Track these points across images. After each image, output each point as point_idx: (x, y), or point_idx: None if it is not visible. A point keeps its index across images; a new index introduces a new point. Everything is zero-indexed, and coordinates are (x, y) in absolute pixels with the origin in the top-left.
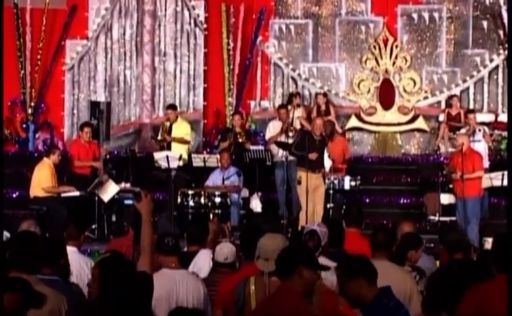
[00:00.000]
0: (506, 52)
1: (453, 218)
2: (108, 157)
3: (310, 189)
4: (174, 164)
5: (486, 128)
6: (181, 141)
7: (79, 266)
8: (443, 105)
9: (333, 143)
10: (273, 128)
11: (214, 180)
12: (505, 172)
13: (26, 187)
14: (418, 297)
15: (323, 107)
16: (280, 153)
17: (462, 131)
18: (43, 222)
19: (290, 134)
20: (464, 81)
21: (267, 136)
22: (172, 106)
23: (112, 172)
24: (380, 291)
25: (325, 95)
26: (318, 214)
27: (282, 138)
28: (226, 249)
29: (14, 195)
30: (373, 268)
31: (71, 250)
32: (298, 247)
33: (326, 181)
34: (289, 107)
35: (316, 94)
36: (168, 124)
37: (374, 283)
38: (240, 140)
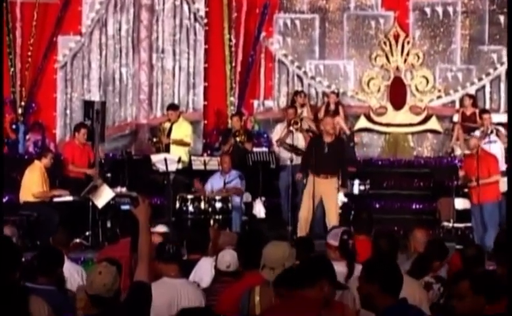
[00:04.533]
0: None
1: (469, 225)
2: (103, 161)
3: (318, 196)
4: (173, 167)
5: (502, 129)
6: (181, 143)
7: (69, 274)
8: (457, 105)
9: None
10: (281, 131)
11: (214, 184)
12: None
13: (16, 192)
14: (427, 308)
15: (332, 107)
16: (285, 156)
17: (477, 132)
18: (33, 228)
19: (292, 129)
20: (480, 79)
21: (274, 138)
22: (173, 107)
23: (108, 176)
24: (396, 303)
25: (337, 94)
26: (332, 221)
27: (289, 139)
28: (228, 257)
29: (3, 200)
30: (390, 276)
31: None
32: (323, 260)
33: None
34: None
35: (328, 92)
36: (167, 125)
37: (390, 292)
38: (239, 139)
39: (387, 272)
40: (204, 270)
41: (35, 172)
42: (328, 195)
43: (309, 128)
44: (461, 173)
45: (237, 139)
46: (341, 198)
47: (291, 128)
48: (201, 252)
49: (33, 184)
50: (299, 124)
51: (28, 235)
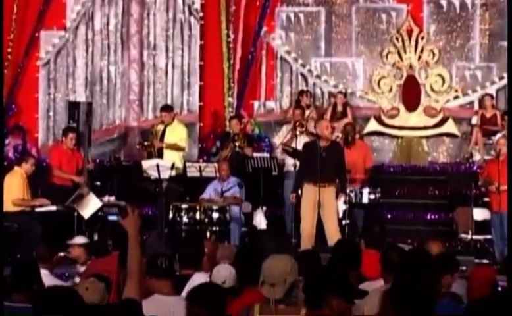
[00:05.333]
0: None
1: (488, 237)
2: (92, 168)
3: (315, 206)
4: (166, 174)
5: None
6: (174, 147)
7: None
8: (476, 106)
9: (351, 149)
10: (286, 132)
11: (212, 192)
12: None
13: None
14: None
15: (340, 108)
16: (289, 161)
17: (499, 135)
18: (13, 240)
19: (297, 132)
20: (501, 78)
21: (278, 141)
22: (167, 108)
23: (97, 185)
24: None
25: (344, 94)
26: (331, 235)
27: (293, 143)
28: (224, 272)
29: None
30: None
31: (42, 273)
32: (327, 273)
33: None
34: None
35: (335, 93)
36: (161, 127)
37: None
38: (238, 143)
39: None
40: None
41: (15, 178)
42: (326, 205)
43: (315, 131)
44: (481, 180)
45: (236, 143)
46: (341, 206)
47: (296, 131)
48: (194, 267)
49: (13, 191)
50: (305, 127)
51: (8, 248)
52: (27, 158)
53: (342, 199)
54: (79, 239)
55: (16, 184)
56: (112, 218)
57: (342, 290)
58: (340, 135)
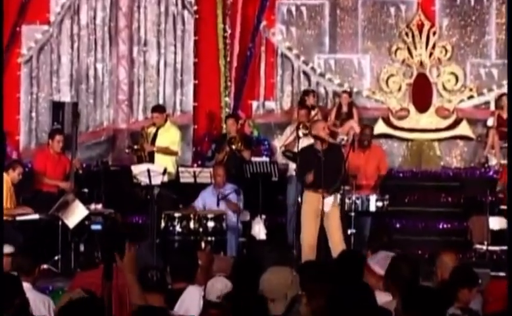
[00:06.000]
0: None
1: (505, 248)
2: (81, 171)
3: (317, 214)
4: (157, 180)
5: None
6: (167, 151)
7: (35, 306)
8: (492, 107)
9: (366, 153)
10: (290, 134)
11: (206, 199)
12: None
13: None
14: None
15: (345, 109)
16: (292, 166)
17: None
18: None
19: (301, 134)
20: None
21: (278, 144)
22: (159, 108)
23: (85, 191)
24: None
25: (350, 94)
26: (335, 245)
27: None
28: (219, 285)
29: None
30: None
31: (23, 287)
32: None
33: (347, 201)
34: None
35: (339, 92)
36: (152, 130)
37: None
38: (234, 147)
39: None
40: (191, 301)
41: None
42: (329, 213)
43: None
44: (500, 185)
45: (233, 146)
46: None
47: (299, 133)
48: (187, 280)
49: None
50: (309, 129)
51: None
52: (15, 165)
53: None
54: (6, 249)
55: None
56: (96, 227)
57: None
58: (345, 138)
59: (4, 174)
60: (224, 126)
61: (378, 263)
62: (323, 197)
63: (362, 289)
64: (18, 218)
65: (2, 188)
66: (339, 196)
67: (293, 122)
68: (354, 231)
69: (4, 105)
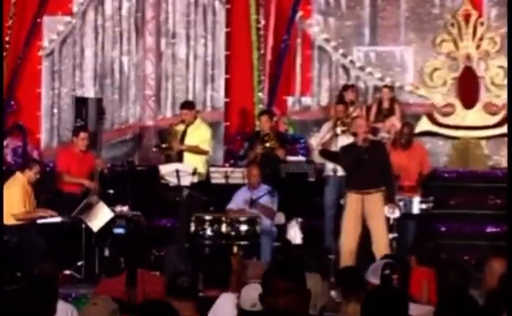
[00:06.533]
0: None
1: None
2: (105, 171)
3: (358, 217)
4: (187, 180)
5: None
6: (197, 150)
7: (57, 314)
8: None
9: (406, 152)
10: (327, 131)
11: (239, 201)
12: None
13: None
14: None
15: (386, 105)
16: (329, 166)
17: None
18: (13, 257)
19: (338, 131)
20: None
21: (315, 142)
22: (188, 105)
23: (110, 193)
24: None
25: (391, 88)
26: (379, 250)
27: (333, 145)
28: (254, 293)
29: None
30: None
31: None
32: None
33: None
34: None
35: (380, 87)
36: (181, 127)
37: None
38: (268, 144)
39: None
40: (224, 310)
41: (16, 187)
42: (374, 215)
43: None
44: None
45: (267, 144)
46: (395, 214)
47: (337, 130)
48: (220, 287)
49: (13, 202)
50: (348, 126)
51: (6, 266)
52: (31, 164)
53: (389, 209)
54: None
55: (17, 194)
56: (118, 231)
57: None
58: (387, 136)
59: (20, 175)
60: (257, 123)
61: (372, 274)
62: (363, 197)
63: (398, 297)
64: (39, 221)
65: (3, 187)
66: (381, 196)
67: (330, 118)
68: (396, 235)
69: (24, 101)
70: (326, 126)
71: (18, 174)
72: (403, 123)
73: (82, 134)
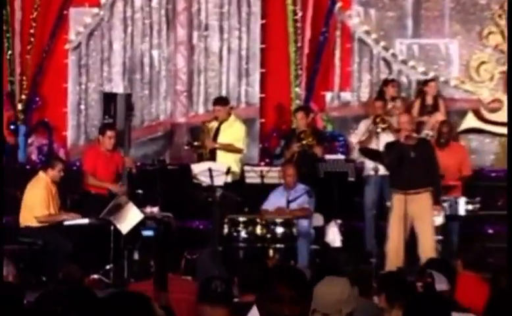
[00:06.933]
0: None
1: None
2: (134, 171)
3: (404, 218)
4: (220, 180)
5: None
6: (231, 148)
7: None
8: None
9: (444, 151)
10: (365, 129)
11: (275, 202)
12: None
13: (15, 213)
14: None
15: (430, 100)
16: (369, 165)
17: None
18: (38, 261)
19: (379, 129)
20: None
21: (354, 139)
22: (222, 101)
23: (139, 193)
24: None
25: (436, 83)
26: (425, 253)
27: (373, 143)
28: None
29: None
30: None
31: None
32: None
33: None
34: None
35: (424, 81)
36: (214, 124)
37: None
38: (305, 141)
39: None
40: None
41: (40, 188)
42: (420, 216)
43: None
44: None
45: (303, 141)
46: (439, 220)
47: (378, 128)
48: (257, 292)
49: (36, 203)
50: (388, 123)
51: (31, 269)
52: (54, 162)
53: (434, 212)
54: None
55: (40, 194)
56: (147, 233)
57: None
58: (431, 133)
59: (43, 174)
60: (294, 119)
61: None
62: (407, 197)
63: (442, 304)
64: (66, 223)
65: (3, 187)
66: (428, 197)
67: (370, 115)
68: (441, 238)
69: (50, 96)
70: (364, 123)
71: (40, 174)
72: (442, 121)
73: (109, 132)
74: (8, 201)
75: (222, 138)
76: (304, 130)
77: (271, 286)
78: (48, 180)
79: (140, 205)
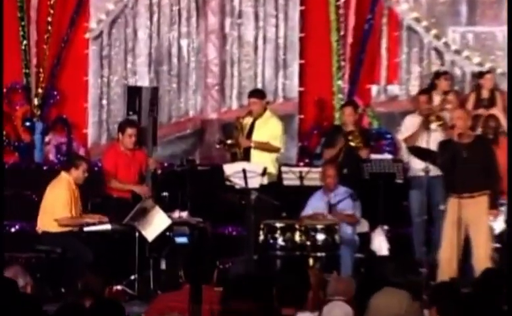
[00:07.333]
0: None
1: None
2: (159, 172)
3: (462, 224)
4: (255, 182)
5: None
6: (267, 147)
7: None
8: None
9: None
10: (411, 126)
11: (315, 206)
12: None
13: (31, 218)
14: None
15: (486, 94)
16: (417, 165)
17: None
18: (56, 270)
19: (433, 127)
20: None
21: (401, 137)
22: (257, 94)
23: (164, 196)
24: None
25: (493, 75)
26: (479, 263)
27: (423, 141)
28: (338, 311)
29: (13, 230)
30: None
31: None
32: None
33: None
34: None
35: (480, 73)
36: (248, 121)
37: None
38: (353, 144)
39: None
40: None
41: (61, 189)
42: (475, 221)
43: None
44: None
45: (351, 143)
46: (498, 226)
47: (432, 125)
48: (296, 305)
49: (57, 205)
50: (443, 120)
51: (49, 279)
52: (78, 162)
53: (491, 216)
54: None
55: (62, 196)
56: (181, 240)
57: None
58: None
59: (66, 175)
60: (337, 115)
61: None
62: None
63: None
64: (86, 228)
65: (3, 187)
66: (485, 201)
67: (418, 110)
68: (498, 246)
69: (69, 91)
70: (409, 119)
71: (63, 175)
72: (488, 115)
73: (129, 130)
74: (23, 206)
75: (257, 136)
76: (352, 130)
77: (226, 301)
78: (71, 181)
79: (167, 209)
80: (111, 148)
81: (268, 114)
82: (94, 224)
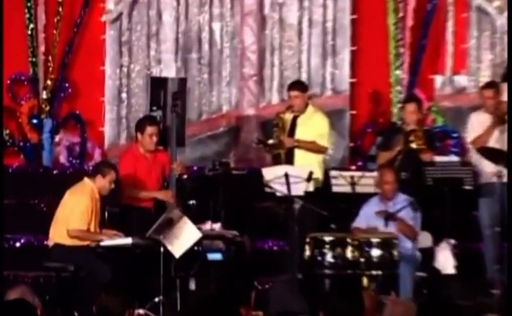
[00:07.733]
0: None
1: None
2: (185, 176)
3: None
4: (299, 189)
5: None
6: (312, 147)
7: None
8: None
9: None
10: (478, 124)
11: (370, 217)
12: None
13: (38, 230)
14: None
15: None
16: (487, 168)
17: None
18: (68, 290)
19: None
20: None
21: (469, 137)
22: (299, 86)
23: (192, 204)
24: None
25: None
26: None
27: (492, 140)
28: None
29: (18, 244)
30: None
31: None
32: None
33: None
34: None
35: None
36: (288, 117)
37: None
38: (415, 146)
39: None
40: None
41: (83, 196)
42: None
43: None
44: None
45: (413, 145)
46: None
47: (500, 122)
48: None
49: (73, 214)
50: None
51: (60, 302)
52: (105, 170)
53: None
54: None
55: (81, 204)
56: (214, 257)
57: None
58: None
59: (90, 182)
60: (394, 110)
61: None
62: None
63: None
64: (103, 243)
65: (3, 186)
66: None
67: (484, 107)
68: None
69: (83, 83)
70: (475, 117)
71: (86, 181)
72: None
73: (149, 129)
74: (29, 216)
75: (301, 134)
76: (414, 129)
77: None
78: (95, 189)
79: (195, 221)
80: (128, 151)
81: (312, 110)
82: (110, 238)
